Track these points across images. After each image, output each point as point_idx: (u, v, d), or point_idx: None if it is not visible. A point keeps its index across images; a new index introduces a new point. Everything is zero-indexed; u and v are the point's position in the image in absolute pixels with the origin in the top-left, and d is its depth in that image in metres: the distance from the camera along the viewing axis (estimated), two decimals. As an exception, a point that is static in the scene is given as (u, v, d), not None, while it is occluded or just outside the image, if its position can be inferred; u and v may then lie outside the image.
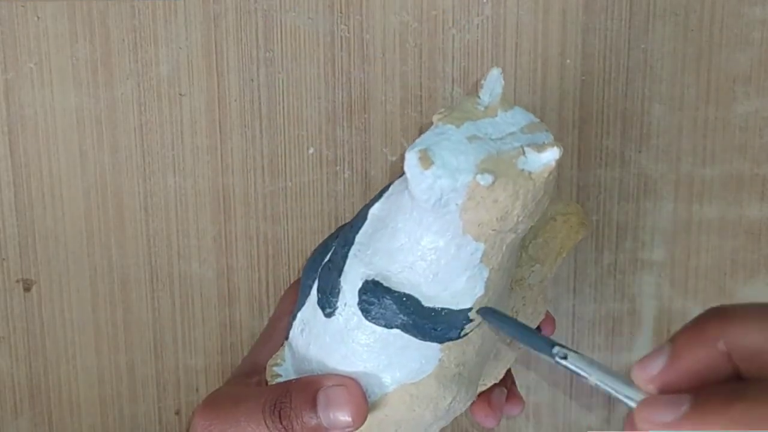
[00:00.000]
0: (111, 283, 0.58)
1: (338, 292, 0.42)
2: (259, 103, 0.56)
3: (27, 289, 0.58)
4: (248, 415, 0.42)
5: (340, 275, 0.42)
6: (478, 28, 0.55)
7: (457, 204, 0.38)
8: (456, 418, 0.60)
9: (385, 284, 0.41)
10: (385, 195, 0.43)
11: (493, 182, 0.38)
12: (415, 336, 0.41)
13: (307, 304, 0.44)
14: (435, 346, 0.41)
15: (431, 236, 0.40)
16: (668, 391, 0.33)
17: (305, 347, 0.44)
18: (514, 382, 0.50)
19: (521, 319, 0.46)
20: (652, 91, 0.56)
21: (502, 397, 0.48)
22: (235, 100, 0.56)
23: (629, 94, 0.56)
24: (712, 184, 0.57)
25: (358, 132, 0.56)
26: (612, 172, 0.57)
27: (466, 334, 0.41)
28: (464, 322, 0.41)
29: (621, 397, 0.36)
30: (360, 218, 0.43)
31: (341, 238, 0.43)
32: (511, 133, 0.40)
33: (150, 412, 0.60)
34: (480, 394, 0.47)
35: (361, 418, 0.41)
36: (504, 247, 0.40)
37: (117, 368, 0.59)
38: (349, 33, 0.55)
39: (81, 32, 0.55)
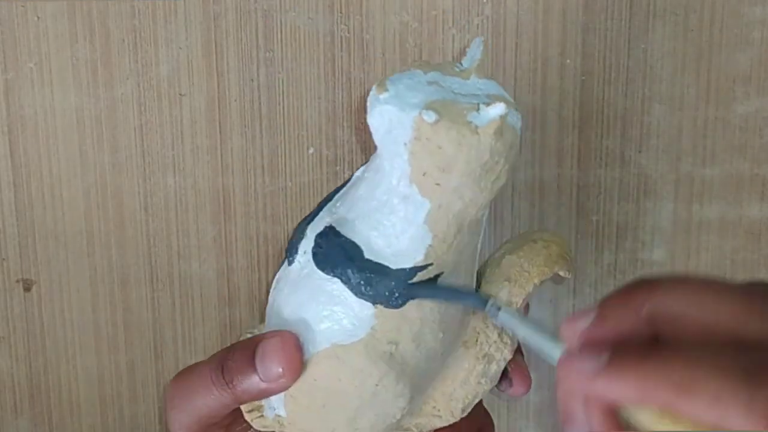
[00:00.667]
0: (111, 283, 0.58)
1: (302, 239, 0.43)
2: (259, 103, 0.56)
3: (27, 289, 0.58)
4: (200, 377, 0.43)
5: (308, 224, 0.43)
6: (478, 28, 0.56)
7: (405, 144, 0.39)
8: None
9: (341, 231, 0.41)
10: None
11: (437, 121, 0.38)
12: (351, 289, 0.41)
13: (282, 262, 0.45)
14: (369, 309, 0.41)
15: (383, 185, 0.40)
16: (591, 348, 0.35)
17: (272, 303, 0.44)
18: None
19: (483, 342, 0.45)
20: (652, 91, 0.56)
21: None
22: (235, 100, 0.56)
23: (629, 94, 0.56)
24: (712, 184, 0.58)
25: (358, 132, 0.56)
26: (612, 172, 0.57)
27: (400, 305, 0.41)
28: (399, 286, 0.41)
29: (546, 350, 0.38)
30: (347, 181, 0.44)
31: (325, 198, 0.44)
32: (475, 95, 0.40)
33: (150, 412, 0.60)
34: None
35: (292, 370, 0.41)
36: (451, 216, 0.40)
37: (117, 368, 0.59)
38: (349, 33, 0.55)
39: (81, 32, 0.55)
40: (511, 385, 0.47)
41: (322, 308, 0.41)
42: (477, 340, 0.45)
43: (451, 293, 0.42)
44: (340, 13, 0.55)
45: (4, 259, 0.58)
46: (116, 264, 0.58)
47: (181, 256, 0.58)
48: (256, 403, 0.44)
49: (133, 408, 0.60)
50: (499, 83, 0.42)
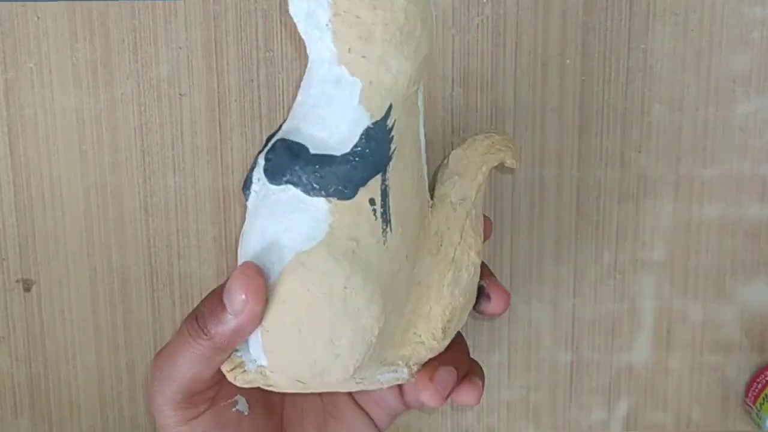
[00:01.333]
0: (111, 283, 0.58)
1: (254, 168, 0.43)
2: (259, 103, 0.56)
3: (27, 289, 0.58)
4: (178, 336, 0.43)
5: (258, 154, 0.43)
6: (478, 28, 0.55)
7: (326, 24, 0.40)
8: (457, 418, 0.60)
9: (288, 139, 0.42)
10: None
11: None
12: (303, 189, 0.41)
13: None
14: (323, 205, 0.41)
15: (315, 79, 0.41)
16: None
17: (239, 253, 0.44)
18: (474, 372, 0.47)
19: (447, 246, 0.45)
20: (652, 91, 0.56)
21: (449, 376, 0.45)
22: (235, 100, 0.56)
23: (629, 94, 0.56)
24: (712, 184, 0.57)
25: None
26: (612, 172, 0.57)
27: (354, 195, 0.41)
28: (347, 171, 0.41)
29: None
30: None
31: (272, 132, 0.45)
32: None
33: (150, 412, 0.60)
34: (424, 367, 0.45)
35: (254, 292, 0.41)
36: (383, 92, 0.41)
37: (117, 368, 0.59)
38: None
39: (81, 32, 0.55)
40: (489, 300, 0.46)
41: (280, 222, 0.41)
42: (441, 245, 0.45)
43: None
44: (340, 13, 0.55)
45: (4, 259, 0.58)
46: (116, 264, 0.58)
47: (181, 256, 0.58)
48: (237, 360, 0.44)
49: (133, 408, 0.60)
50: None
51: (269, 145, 0.42)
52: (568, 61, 0.56)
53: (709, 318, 0.59)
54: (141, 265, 0.58)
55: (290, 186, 0.41)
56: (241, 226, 0.57)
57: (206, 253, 0.58)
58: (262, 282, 0.41)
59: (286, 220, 0.41)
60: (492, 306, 0.46)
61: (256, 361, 0.44)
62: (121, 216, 0.57)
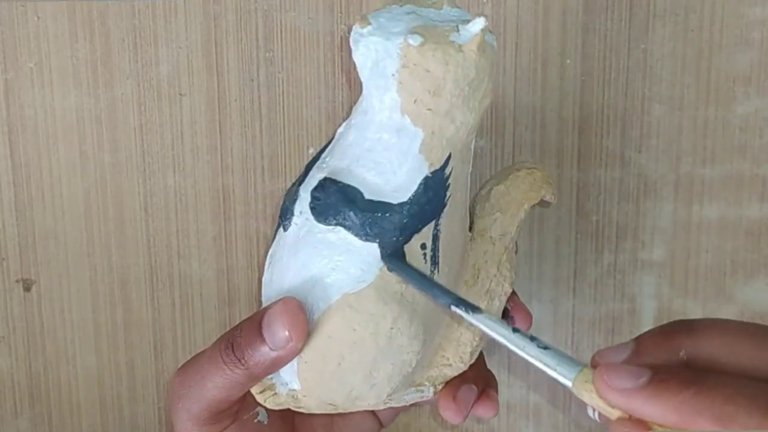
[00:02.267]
0: (111, 283, 0.58)
1: (296, 200, 0.43)
2: (259, 103, 0.56)
3: (27, 289, 0.58)
4: (209, 359, 0.43)
5: (300, 186, 0.43)
6: (478, 28, 0.55)
7: (393, 74, 0.40)
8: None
9: (337, 179, 0.41)
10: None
11: (422, 43, 0.39)
12: (355, 233, 0.41)
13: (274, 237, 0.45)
14: (375, 251, 0.41)
15: (374, 124, 0.41)
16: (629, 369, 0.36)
17: (269, 278, 0.44)
18: (490, 385, 0.49)
19: (483, 278, 0.45)
20: (652, 91, 0.56)
21: (470, 394, 0.46)
22: (235, 100, 0.56)
23: (629, 94, 0.56)
24: (712, 184, 0.58)
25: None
26: (612, 172, 0.57)
27: (406, 242, 0.41)
28: (402, 219, 0.41)
29: (552, 366, 0.38)
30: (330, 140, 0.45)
31: (311, 161, 0.44)
32: (451, 20, 0.41)
33: (150, 412, 0.60)
34: (447, 385, 0.46)
35: (297, 331, 0.41)
36: (444, 142, 0.41)
37: (117, 368, 0.59)
38: (349, 33, 0.55)
39: (81, 32, 0.55)
40: (513, 322, 0.47)
41: (327, 261, 0.41)
42: (478, 277, 0.45)
43: (420, 280, 0.41)
44: (340, 13, 0.55)
45: (4, 259, 0.58)
46: (116, 264, 0.58)
47: (181, 256, 0.58)
48: (267, 382, 0.44)
49: (133, 408, 0.60)
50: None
51: (315, 181, 0.42)
52: (568, 61, 0.56)
53: (709, 318, 0.59)
54: (141, 265, 0.58)
55: (340, 228, 0.41)
56: (242, 227, 0.58)
57: (206, 253, 0.58)
58: (305, 319, 0.41)
59: (332, 260, 0.41)
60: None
61: (287, 384, 0.44)
62: (121, 216, 0.58)
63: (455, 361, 0.46)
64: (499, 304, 0.46)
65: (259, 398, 0.44)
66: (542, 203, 0.47)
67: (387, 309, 0.41)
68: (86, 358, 0.59)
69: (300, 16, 0.55)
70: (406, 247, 0.41)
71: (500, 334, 0.39)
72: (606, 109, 0.57)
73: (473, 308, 0.40)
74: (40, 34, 0.55)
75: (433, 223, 0.41)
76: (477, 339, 0.46)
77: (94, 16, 0.55)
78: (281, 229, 0.43)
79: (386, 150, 0.41)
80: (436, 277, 0.42)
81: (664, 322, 0.59)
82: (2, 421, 0.60)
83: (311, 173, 0.43)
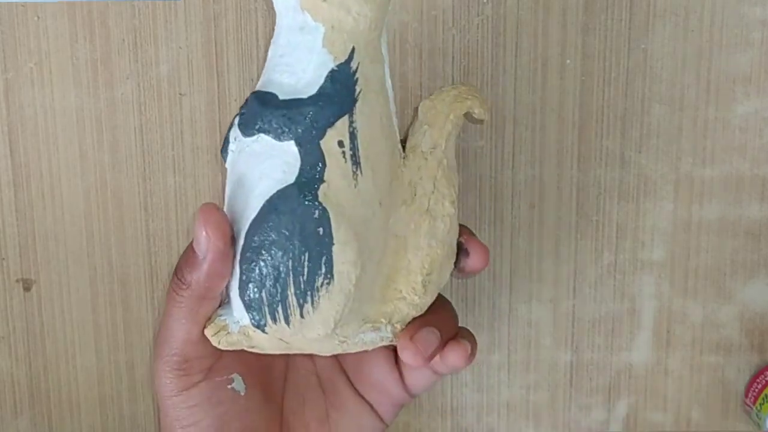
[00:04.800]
0: (111, 283, 0.58)
1: (230, 129, 0.44)
2: (259, 103, 0.56)
3: (27, 289, 0.58)
4: (166, 300, 0.44)
5: (236, 116, 0.44)
6: (478, 28, 0.55)
7: None
8: (456, 418, 0.60)
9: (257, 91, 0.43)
10: None
11: None
12: (274, 136, 0.42)
13: None
14: (293, 150, 0.41)
15: (282, 30, 0.42)
16: None
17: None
18: (463, 336, 0.47)
19: (421, 196, 0.45)
20: (652, 91, 0.56)
21: (431, 336, 0.45)
22: (235, 100, 0.56)
23: (629, 94, 0.56)
24: (712, 184, 0.58)
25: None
26: (612, 172, 0.57)
27: (322, 136, 0.42)
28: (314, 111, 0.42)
29: None
30: None
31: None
32: None
33: (150, 412, 0.60)
34: (407, 327, 0.45)
35: (212, 225, 0.41)
36: (345, 35, 0.42)
37: (117, 368, 0.59)
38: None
39: (81, 32, 0.55)
40: (468, 256, 0.46)
41: (255, 172, 0.42)
42: (415, 195, 0.45)
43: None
44: (340, 13, 0.55)
45: (3, 259, 0.58)
46: (116, 264, 0.58)
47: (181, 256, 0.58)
48: (220, 323, 0.44)
49: (133, 408, 0.60)
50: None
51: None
52: (568, 61, 0.56)
53: (709, 318, 0.59)
54: (141, 265, 0.58)
55: (262, 135, 0.42)
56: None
57: (206, 253, 0.58)
58: (221, 217, 0.42)
59: (259, 168, 0.42)
60: (472, 261, 0.46)
61: (239, 321, 0.43)
62: (121, 216, 0.58)
63: (408, 293, 0.45)
64: (443, 227, 0.45)
65: (213, 341, 0.44)
66: (473, 119, 0.47)
67: (311, 207, 0.41)
68: (86, 358, 0.59)
69: (300, 16, 0.55)
70: (323, 144, 0.41)
71: None
72: (606, 109, 0.57)
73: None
74: (40, 34, 0.55)
75: (347, 119, 0.42)
76: (426, 266, 0.45)
77: (94, 16, 0.55)
78: (225, 164, 0.44)
79: (294, 50, 0.42)
80: (361, 179, 0.42)
81: (664, 322, 0.59)
82: (2, 421, 0.60)
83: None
